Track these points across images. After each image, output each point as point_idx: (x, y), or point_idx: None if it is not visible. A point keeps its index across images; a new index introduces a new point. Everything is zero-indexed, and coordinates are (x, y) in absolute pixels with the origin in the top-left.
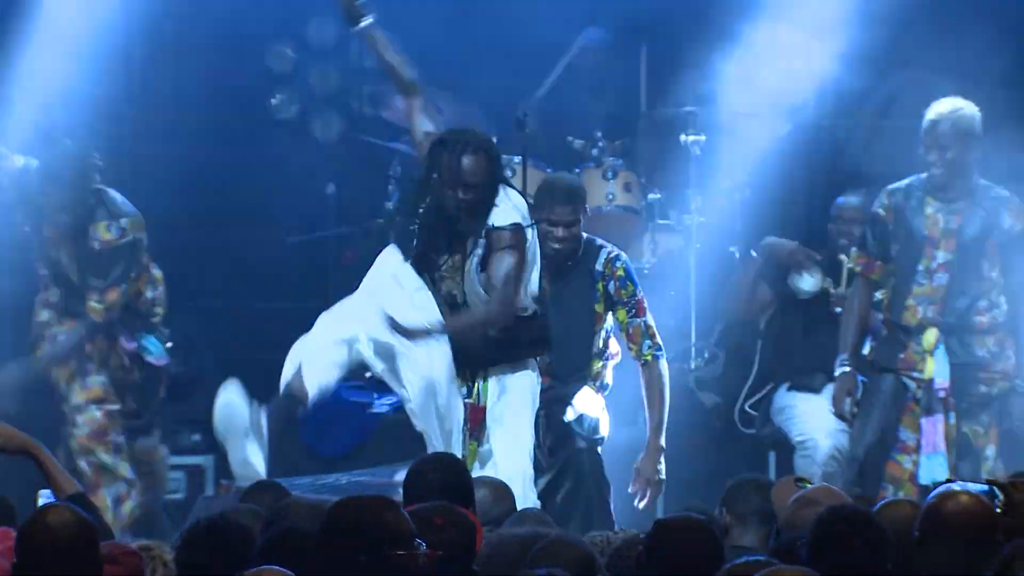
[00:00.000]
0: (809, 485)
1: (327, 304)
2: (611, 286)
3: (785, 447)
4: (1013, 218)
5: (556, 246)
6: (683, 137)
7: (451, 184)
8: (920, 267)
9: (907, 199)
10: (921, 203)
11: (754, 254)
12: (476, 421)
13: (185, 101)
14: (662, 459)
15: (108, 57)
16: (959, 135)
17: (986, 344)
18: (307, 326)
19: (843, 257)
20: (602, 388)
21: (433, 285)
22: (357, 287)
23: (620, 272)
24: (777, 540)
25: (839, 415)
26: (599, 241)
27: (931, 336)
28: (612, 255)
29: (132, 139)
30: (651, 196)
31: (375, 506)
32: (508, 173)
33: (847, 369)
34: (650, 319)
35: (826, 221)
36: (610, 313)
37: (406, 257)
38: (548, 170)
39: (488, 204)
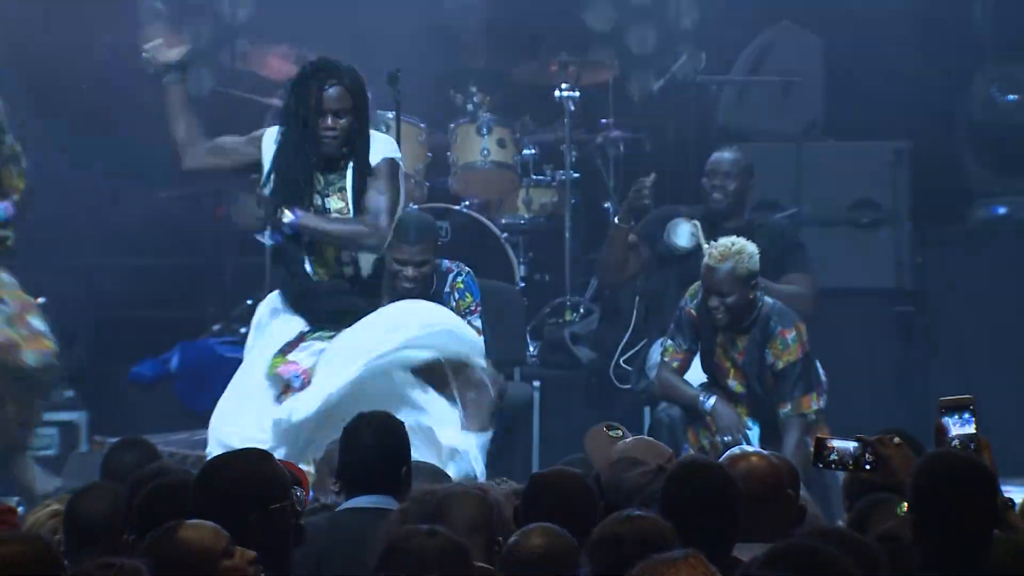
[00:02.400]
0: (620, 432)
1: (198, 261)
2: (452, 300)
3: (660, 402)
4: (774, 356)
5: (407, 285)
6: (558, 92)
7: (319, 113)
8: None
9: (703, 330)
10: (712, 332)
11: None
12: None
13: (55, 55)
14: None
15: None
16: (737, 281)
17: None
18: (178, 282)
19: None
20: None
21: (322, 203)
22: (228, 243)
23: (460, 285)
24: (604, 499)
25: (740, 433)
26: (446, 264)
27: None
28: (454, 274)
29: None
30: (526, 152)
31: (252, 459)
32: (382, 128)
33: (712, 398)
34: (477, 323)
35: (700, 176)
36: None
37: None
38: (422, 125)
39: (362, 132)
